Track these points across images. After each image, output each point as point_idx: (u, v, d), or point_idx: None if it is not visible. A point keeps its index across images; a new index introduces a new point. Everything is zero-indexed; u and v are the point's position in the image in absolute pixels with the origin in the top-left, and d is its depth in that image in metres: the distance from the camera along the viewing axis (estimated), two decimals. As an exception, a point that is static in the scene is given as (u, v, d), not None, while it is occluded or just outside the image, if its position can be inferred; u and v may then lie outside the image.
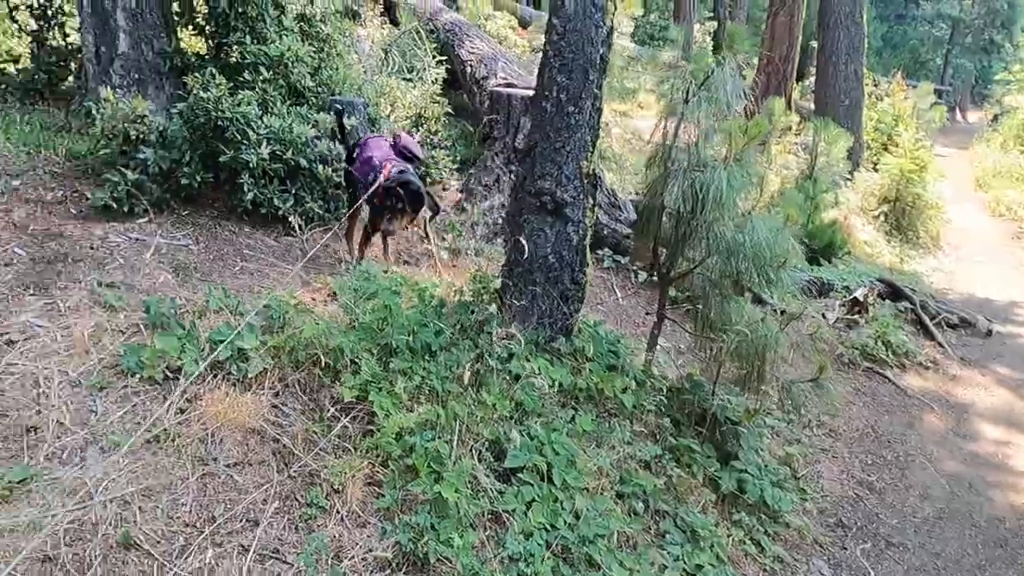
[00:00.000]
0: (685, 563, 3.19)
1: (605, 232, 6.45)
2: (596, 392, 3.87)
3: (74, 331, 3.65)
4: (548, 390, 3.59)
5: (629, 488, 3.44)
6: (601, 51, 3.71)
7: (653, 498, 3.46)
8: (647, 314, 5.79)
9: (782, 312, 4.76)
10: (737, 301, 4.12)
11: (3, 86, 6.18)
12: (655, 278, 4.63)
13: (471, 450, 3.25)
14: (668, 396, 4.10)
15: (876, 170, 12.06)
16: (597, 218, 6.68)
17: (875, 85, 16.44)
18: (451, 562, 2.75)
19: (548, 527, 3.00)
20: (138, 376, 3.41)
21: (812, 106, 14.00)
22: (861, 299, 6.82)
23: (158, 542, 2.70)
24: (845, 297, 6.96)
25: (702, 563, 3.21)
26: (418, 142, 5.32)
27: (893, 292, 7.41)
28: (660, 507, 3.47)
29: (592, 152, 3.91)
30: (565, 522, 3.04)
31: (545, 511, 3.04)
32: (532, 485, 3.14)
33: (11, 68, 6.36)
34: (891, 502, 4.50)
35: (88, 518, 2.71)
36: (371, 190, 4.62)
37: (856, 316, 6.73)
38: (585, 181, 3.90)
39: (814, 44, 14.75)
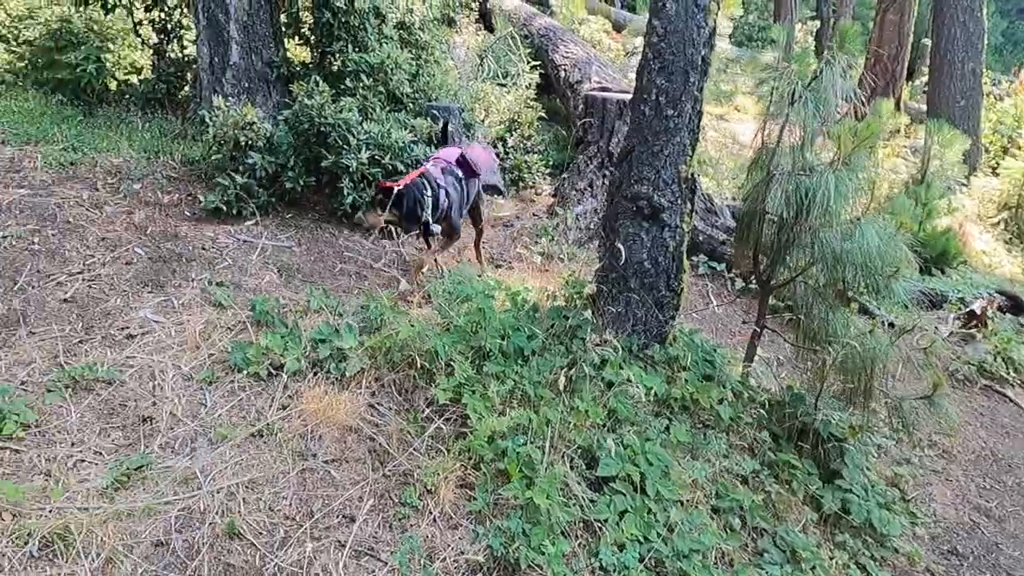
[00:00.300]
0: (785, 584, 3.06)
1: (700, 238, 6.30)
2: (691, 402, 3.77)
3: (187, 327, 3.84)
4: (642, 398, 3.52)
5: (725, 503, 3.32)
6: (703, 53, 3.61)
7: (751, 514, 3.33)
8: (744, 323, 5.60)
9: (891, 324, 4.50)
10: (843, 312, 3.93)
11: (127, 96, 6.60)
12: (754, 286, 4.47)
13: (563, 457, 3.22)
14: (767, 409, 3.95)
15: (996, 175, 11.29)
16: (693, 224, 6.56)
17: (994, 84, 15.41)
18: (542, 569, 2.73)
19: (641, 539, 2.94)
20: (244, 372, 3.56)
21: (923, 107, 13.26)
22: (979, 312, 6.38)
23: (260, 533, 2.80)
24: (960, 309, 6.53)
25: (803, 585, 3.07)
26: (495, 157, 5.15)
27: (1014, 305, 6.90)
28: (758, 524, 3.34)
29: (691, 156, 3.82)
30: (658, 535, 2.97)
31: (638, 522, 2.98)
32: (624, 495, 3.08)
33: (134, 79, 6.78)
34: (1012, 531, 4.18)
35: (197, 507, 2.84)
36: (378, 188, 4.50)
37: (973, 330, 6.30)
38: (683, 186, 3.81)
39: (927, 41, 13.97)
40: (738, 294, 5.94)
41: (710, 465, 3.49)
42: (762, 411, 3.89)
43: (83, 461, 2.97)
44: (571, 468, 3.19)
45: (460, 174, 4.72)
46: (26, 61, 6.59)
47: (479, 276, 4.57)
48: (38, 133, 5.68)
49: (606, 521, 2.98)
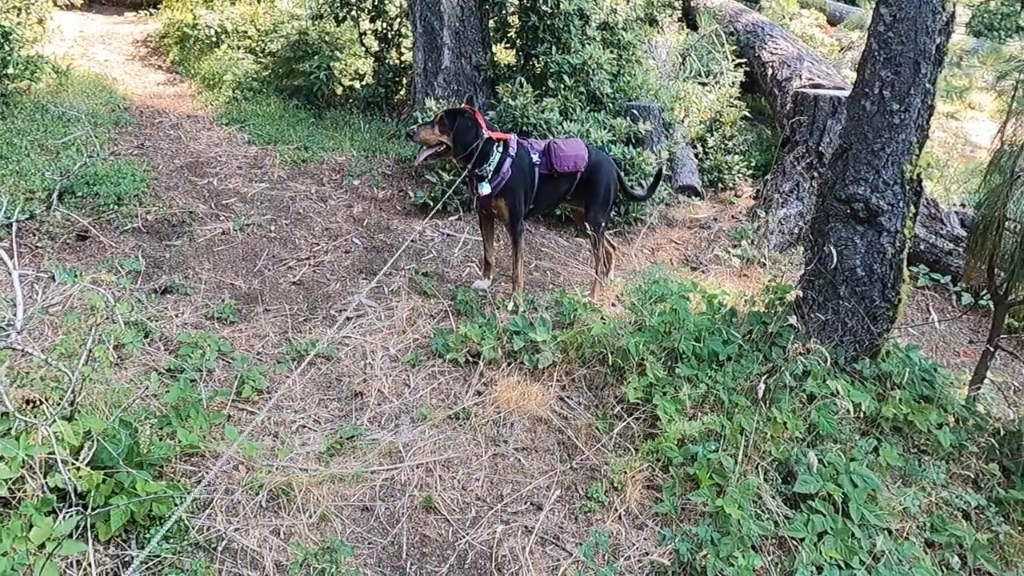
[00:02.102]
0: (1012, 636, 2.71)
1: (922, 247, 5.74)
2: (905, 424, 3.45)
3: (395, 312, 4.13)
4: (848, 414, 3.28)
5: (942, 538, 3.00)
6: (938, 41, 3.29)
7: (972, 554, 2.99)
8: (971, 343, 5.03)
9: None
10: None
11: (351, 100, 7.22)
12: (985, 302, 4.00)
13: (757, 468, 3.08)
14: (998, 439, 3.52)
15: None
16: (914, 231, 5.99)
17: None
18: (730, 581, 2.63)
19: (842, 564, 2.73)
20: (444, 357, 3.76)
21: None
22: None
23: (454, 510, 2.94)
24: None
25: (1035, 640, 2.70)
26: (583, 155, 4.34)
27: None
28: (981, 566, 2.98)
29: (918, 156, 3.49)
30: (861, 562, 2.75)
31: (839, 546, 2.78)
32: (824, 515, 2.88)
33: (357, 84, 7.40)
34: None
35: (399, 479, 3.05)
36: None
37: None
38: (907, 188, 3.49)
39: None
40: (965, 310, 5.34)
41: (925, 494, 3.17)
42: (992, 440, 3.46)
43: (304, 427, 3.29)
44: (765, 480, 3.04)
45: (536, 160, 4.27)
46: (270, 70, 7.43)
47: (601, 289, 4.53)
48: (277, 134, 6.39)
49: (803, 540, 2.81)
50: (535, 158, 4.23)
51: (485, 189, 4.12)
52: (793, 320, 3.46)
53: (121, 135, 6.04)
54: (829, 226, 3.64)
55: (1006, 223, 3.55)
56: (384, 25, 7.18)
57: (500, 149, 4.13)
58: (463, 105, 4.25)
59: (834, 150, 3.74)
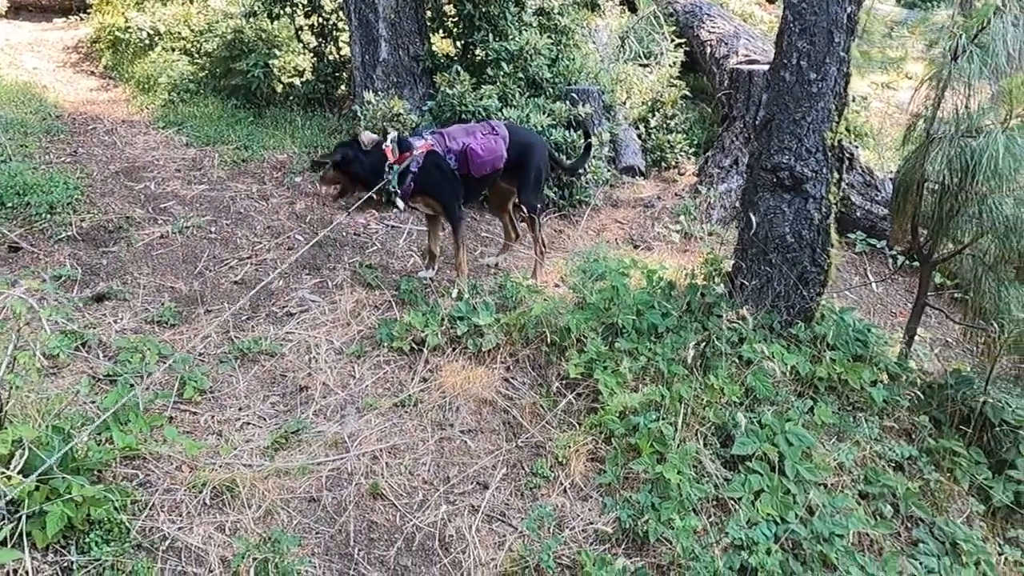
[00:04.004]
0: (942, 577, 2.83)
1: (859, 214, 5.90)
2: (839, 383, 3.56)
3: (339, 306, 4.13)
4: (782, 376, 3.38)
5: (875, 489, 3.12)
6: (849, 10, 3.38)
7: (905, 503, 3.11)
8: (908, 303, 5.20)
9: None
10: (1017, 286, 3.55)
11: (291, 97, 7.15)
12: (915, 262, 4.13)
13: (696, 434, 3.16)
14: (927, 392, 3.65)
15: None
16: (850, 199, 6.13)
17: None
18: (671, 543, 2.70)
19: (778, 520, 2.82)
20: (389, 347, 3.78)
21: None
22: None
23: (401, 495, 2.97)
24: None
25: (963, 580, 2.82)
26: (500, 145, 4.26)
27: None
28: (913, 513, 3.10)
29: (838, 122, 3.59)
30: (797, 516, 2.84)
31: (774, 502, 2.87)
32: (761, 474, 2.97)
33: (297, 81, 7.32)
34: None
35: (345, 468, 3.07)
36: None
37: None
38: (829, 154, 3.59)
39: None
40: (899, 272, 5.51)
41: (859, 449, 3.29)
42: (920, 394, 3.60)
43: (248, 424, 3.28)
44: (704, 445, 3.12)
45: (453, 164, 4.17)
46: (206, 71, 7.31)
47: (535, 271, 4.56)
48: (216, 135, 6.30)
49: (740, 500, 2.89)
50: (451, 162, 4.16)
51: (401, 204, 4.20)
52: (720, 288, 3.54)
53: (53, 143, 5.91)
54: (758, 196, 3.74)
55: (925, 183, 3.66)
56: (320, 20, 7.11)
57: (394, 168, 4.06)
58: (360, 135, 4.17)
59: (759, 122, 3.83)
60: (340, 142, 4.35)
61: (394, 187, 4.08)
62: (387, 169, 4.06)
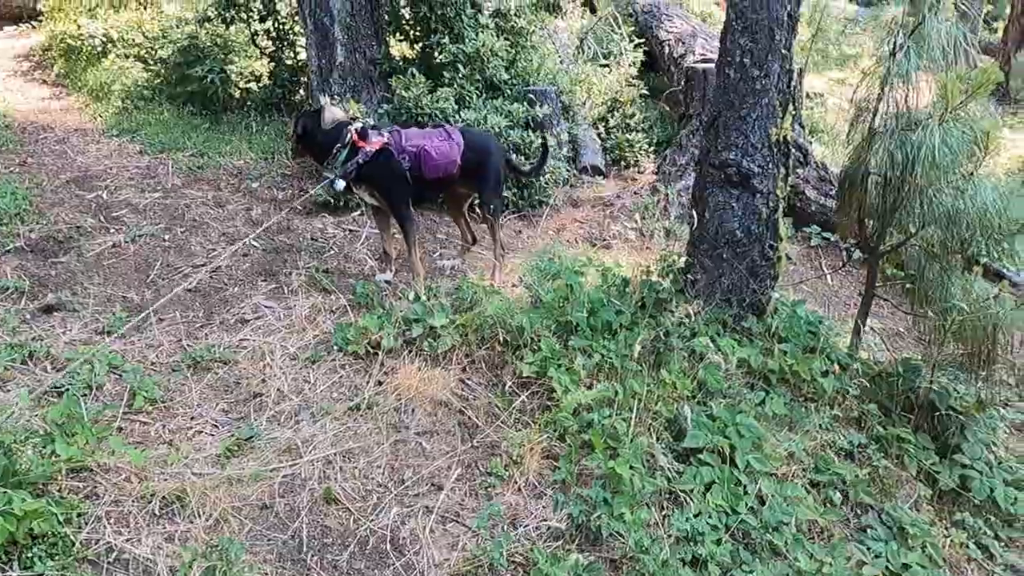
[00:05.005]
0: (889, 561, 2.88)
1: (814, 208, 5.99)
2: (791, 374, 3.62)
3: (294, 311, 4.10)
4: (733, 370, 3.42)
5: (825, 477, 3.17)
6: (789, 8, 3.45)
7: (853, 489, 3.17)
8: (860, 295, 5.29)
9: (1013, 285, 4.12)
10: (963, 276, 3.64)
11: (248, 103, 7.08)
12: (860, 254, 4.22)
13: (649, 428, 3.19)
14: (876, 381, 3.73)
15: None
16: (805, 193, 6.22)
17: None
18: (623, 537, 2.72)
19: (728, 511, 2.86)
20: (344, 351, 3.76)
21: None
22: None
23: (355, 499, 2.96)
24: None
25: (910, 563, 2.87)
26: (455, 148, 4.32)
27: None
28: (862, 500, 3.16)
29: (783, 118, 3.65)
30: (747, 506, 2.88)
31: (725, 493, 2.90)
32: (712, 467, 3.01)
33: (254, 86, 7.26)
34: None
35: (299, 474, 3.05)
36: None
37: None
38: (775, 150, 3.65)
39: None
40: (847, 264, 5.60)
41: (810, 438, 3.34)
42: (868, 383, 3.67)
43: (200, 432, 3.24)
44: (657, 440, 3.15)
45: (406, 164, 4.18)
46: (161, 78, 7.22)
47: (494, 271, 4.58)
48: (171, 142, 6.23)
49: (691, 492, 2.93)
50: (405, 163, 4.17)
51: (340, 185, 4.20)
52: (667, 283, 3.58)
53: (1, 153, 5.79)
54: (708, 192, 3.79)
55: (870, 175, 3.74)
56: (276, 25, 7.06)
57: (345, 149, 4.15)
58: (323, 113, 4.25)
59: (706, 119, 3.88)
60: (303, 111, 4.55)
61: (337, 166, 4.16)
62: (338, 147, 4.15)
